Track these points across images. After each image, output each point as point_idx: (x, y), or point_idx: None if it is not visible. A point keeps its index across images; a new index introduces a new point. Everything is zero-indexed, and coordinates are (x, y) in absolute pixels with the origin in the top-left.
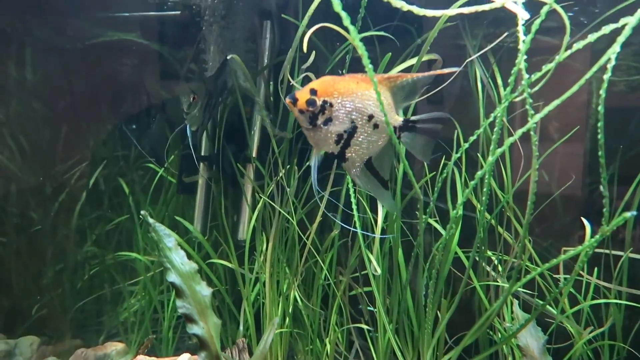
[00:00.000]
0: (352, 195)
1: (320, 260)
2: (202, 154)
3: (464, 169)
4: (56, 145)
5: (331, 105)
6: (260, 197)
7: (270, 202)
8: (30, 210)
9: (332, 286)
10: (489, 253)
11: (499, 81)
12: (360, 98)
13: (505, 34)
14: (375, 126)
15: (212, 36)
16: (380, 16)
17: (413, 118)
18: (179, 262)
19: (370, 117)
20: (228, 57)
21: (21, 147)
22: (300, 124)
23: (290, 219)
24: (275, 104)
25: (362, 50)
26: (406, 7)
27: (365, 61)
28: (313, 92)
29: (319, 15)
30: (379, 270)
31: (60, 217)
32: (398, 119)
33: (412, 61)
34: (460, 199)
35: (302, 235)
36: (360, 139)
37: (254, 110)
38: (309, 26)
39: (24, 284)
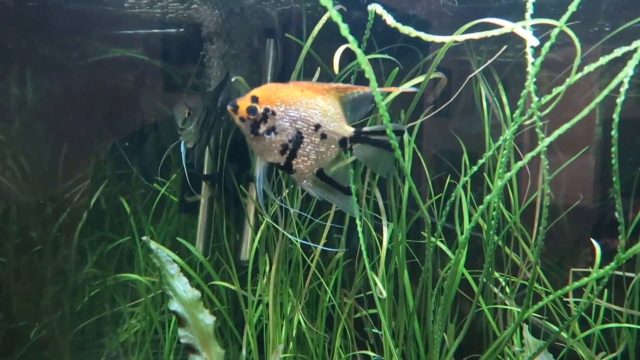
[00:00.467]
0: (356, 210)
1: (324, 283)
2: (205, 172)
3: (469, 187)
4: (57, 164)
5: (273, 113)
6: (264, 218)
7: (273, 223)
8: (31, 230)
9: (336, 308)
10: (496, 274)
11: (504, 99)
12: (306, 107)
13: (505, 48)
14: (323, 136)
15: (215, 53)
16: (383, 33)
17: (365, 129)
18: (182, 289)
19: (317, 126)
20: (233, 79)
21: (21, 167)
22: (243, 132)
23: (294, 240)
24: None
25: (371, 76)
26: (414, 33)
27: (373, 84)
28: (254, 99)
29: (324, 33)
30: (385, 294)
31: (61, 237)
32: (348, 130)
33: (419, 79)
34: (468, 224)
35: (307, 258)
36: (307, 150)
37: None
38: (312, 45)
39: (23, 306)
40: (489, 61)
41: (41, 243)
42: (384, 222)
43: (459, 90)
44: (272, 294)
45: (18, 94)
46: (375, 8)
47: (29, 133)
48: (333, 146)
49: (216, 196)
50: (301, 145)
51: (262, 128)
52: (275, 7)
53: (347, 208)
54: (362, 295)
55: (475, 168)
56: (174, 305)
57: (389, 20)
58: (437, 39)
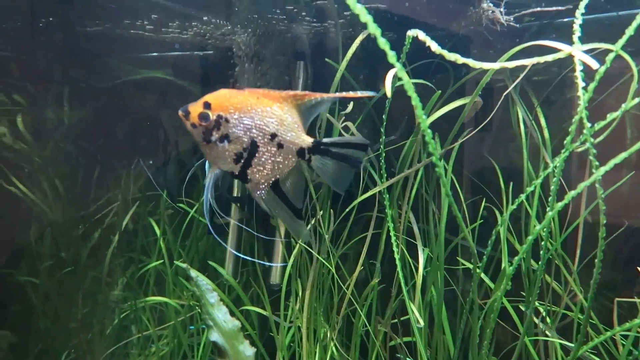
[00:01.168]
0: (393, 234)
1: (359, 309)
2: (234, 194)
3: (506, 212)
4: (89, 185)
5: (227, 121)
6: (296, 243)
7: (308, 247)
8: (62, 250)
9: (371, 336)
10: (536, 304)
11: (543, 122)
12: (261, 115)
13: (535, 60)
14: (280, 146)
15: (245, 75)
16: (413, 52)
17: (326, 140)
18: (222, 319)
19: (273, 135)
20: None
21: (54, 189)
22: (194, 139)
23: (329, 266)
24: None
25: (417, 103)
26: (461, 60)
27: (419, 112)
28: (207, 105)
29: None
30: (422, 322)
31: (92, 258)
32: (307, 140)
33: (460, 102)
34: (506, 252)
35: (342, 285)
36: (263, 159)
37: None
38: (347, 69)
39: (53, 327)
40: (518, 79)
41: (72, 264)
42: (419, 246)
43: (493, 111)
44: (305, 321)
45: (52, 116)
46: (417, 34)
47: (62, 155)
48: (290, 156)
49: (245, 218)
50: (257, 155)
51: (215, 135)
52: (305, 29)
53: (294, 230)
54: (397, 320)
55: (522, 197)
56: (214, 336)
57: (434, 47)
58: (487, 65)
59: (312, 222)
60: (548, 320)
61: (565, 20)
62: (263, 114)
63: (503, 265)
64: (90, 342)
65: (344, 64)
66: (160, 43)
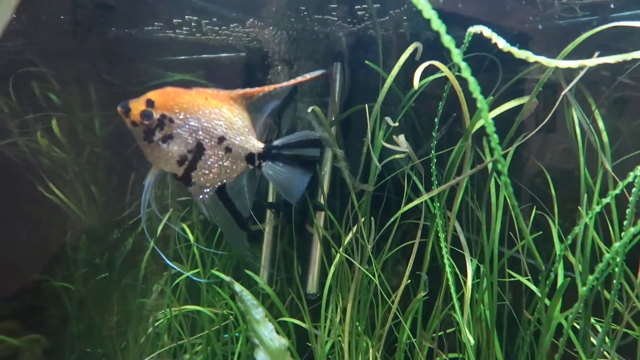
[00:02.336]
0: (443, 244)
1: (403, 322)
2: (269, 200)
3: (556, 219)
4: (124, 191)
5: (171, 120)
6: (336, 252)
7: (349, 257)
8: (97, 257)
9: (415, 349)
10: (592, 320)
11: (601, 125)
12: (209, 117)
13: (596, 58)
14: (228, 150)
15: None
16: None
17: (276, 143)
18: (268, 337)
19: (222, 139)
20: (309, 109)
21: (90, 194)
22: (134, 137)
23: (373, 278)
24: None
25: (483, 105)
26: (534, 58)
27: (485, 115)
28: (150, 103)
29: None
30: (472, 340)
31: (126, 264)
32: (257, 145)
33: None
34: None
35: (387, 298)
36: (209, 163)
37: (323, 157)
38: (386, 69)
39: (87, 335)
40: (576, 78)
41: (107, 270)
42: (467, 257)
43: (552, 111)
44: (347, 334)
45: (87, 121)
46: (482, 30)
47: (98, 160)
48: (239, 161)
49: (281, 225)
50: (202, 158)
51: (157, 135)
52: (342, 30)
53: (233, 241)
54: (442, 333)
55: (597, 208)
56: (260, 355)
57: (501, 44)
58: (563, 64)
59: (354, 230)
60: (607, 339)
61: (627, 13)
62: (211, 116)
63: (560, 282)
64: (125, 350)
65: (395, 70)
66: (192, 45)
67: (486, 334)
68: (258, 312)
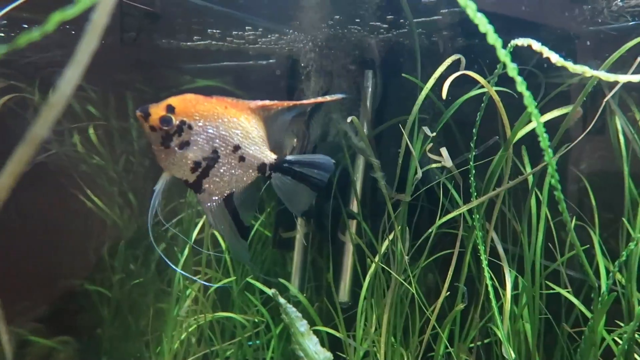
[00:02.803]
0: (483, 257)
1: (441, 333)
2: None
3: (597, 230)
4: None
5: (190, 127)
6: (372, 261)
7: (386, 267)
8: (131, 264)
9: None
10: (637, 335)
11: None
12: (227, 125)
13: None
14: (242, 159)
15: (312, 85)
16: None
17: (289, 158)
18: (313, 350)
19: (237, 147)
20: (348, 119)
21: (127, 201)
22: (150, 141)
23: (410, 288)
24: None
25: (537, 119)
26: (590, 72)
27: (540, 129)
28: (170, 109)
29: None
30: (513, 354)
31: (161, 272)
32: (270, 156)
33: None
34: (604, 278)
35: (425, 309)
36: (221, 171)
37: (354, 165)
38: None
39: (122, 339)
40: (617, 86)
41: (141, 276)
42: (506, 269)
43: (595, 119)
44: (383, 344)
45: (123, 128)
46: (531, 43)
47: (133, 167)
48: (251, 171)
49: (312, 232)
50: (216, 165)
51: (175, 141)
52: (374, 38)
53: (235, 250)
54: (480, 343)
55: None
56: None
57: (554, 58)
58: (614, 77)
59: (389, 237)
60: None
61: None
62: (229, 124)
63: (602, 293)
64: (159, 355)
65: (430, 81)
66: (222, 53)
67: (525, 347)
68: (302, 325)
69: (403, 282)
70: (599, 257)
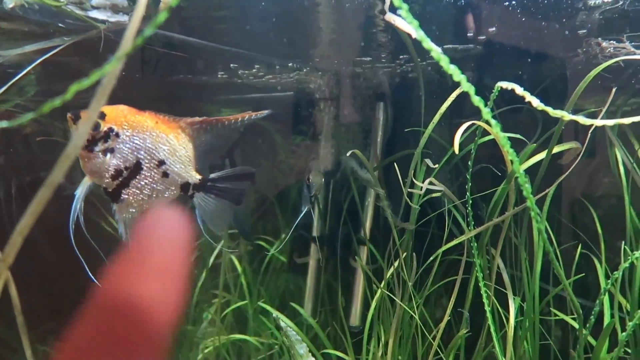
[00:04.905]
0: (482, 284)
1: (444, 358)
2: (313, 234)
3: (603, 258)
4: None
5: (117, 135)
6: (377, 287)
7: (389, 294)
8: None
9: None
10: None
11: None
12: (154, 139)
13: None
14: (165, 175)
15: (325, 115)
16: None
17: (212, 176)
18: None
19: (161, 162)
20: (348, 153)
21: None
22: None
23: (413, 314)
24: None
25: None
26: (568, 117)
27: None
28: (101, 115)
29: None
30: None
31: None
32: (194, 176)
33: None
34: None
35: (429, 334)
36: (143, 183)
37: (366, 193)
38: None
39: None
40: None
41: None
42: (510, 295)
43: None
44: None
45: None
46: (514, 88)
47: None
48: (173, 188)
49: (324, 258)
50: (137, 177)
51: (100, 147)
52: (384, 70)
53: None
54: None
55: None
56: None
57: (535, 102)
58: (600, 122)
59: (395, 265)
60: None
61: None
62: (157, 139)
63: (606, 322)
64: None
65: (436, 117)
66: (241, 86)
67: None
68: (302, 347)
69: (406, 308)
70: (603, 284)
